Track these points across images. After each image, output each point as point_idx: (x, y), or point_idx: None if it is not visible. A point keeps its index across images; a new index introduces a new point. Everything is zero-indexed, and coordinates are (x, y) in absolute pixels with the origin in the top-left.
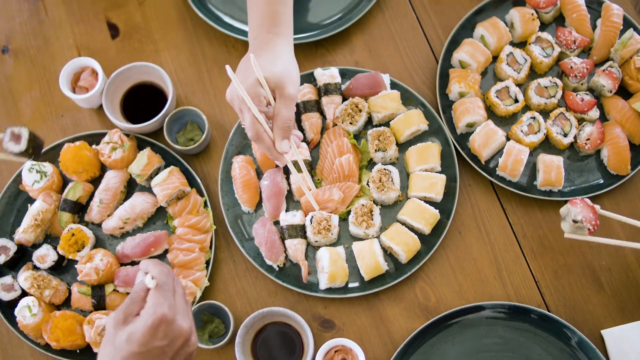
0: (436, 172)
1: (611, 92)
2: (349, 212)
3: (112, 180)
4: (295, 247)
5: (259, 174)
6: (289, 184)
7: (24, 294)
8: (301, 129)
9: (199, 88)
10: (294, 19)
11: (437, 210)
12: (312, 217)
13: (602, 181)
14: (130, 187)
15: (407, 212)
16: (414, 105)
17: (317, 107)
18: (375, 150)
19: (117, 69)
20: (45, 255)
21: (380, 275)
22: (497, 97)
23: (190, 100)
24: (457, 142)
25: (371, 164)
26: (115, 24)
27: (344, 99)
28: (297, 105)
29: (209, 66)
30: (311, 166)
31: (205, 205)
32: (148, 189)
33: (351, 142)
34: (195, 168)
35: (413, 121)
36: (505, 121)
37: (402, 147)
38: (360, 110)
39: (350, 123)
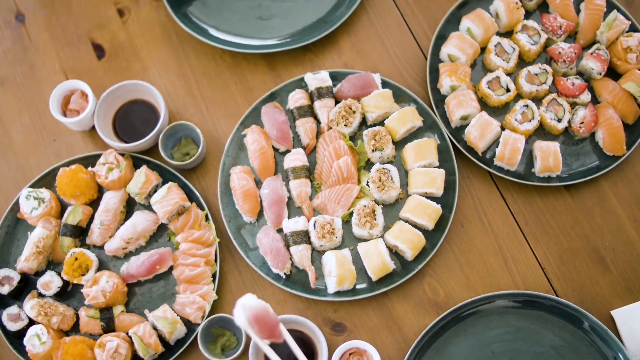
0: (434, 167)
1: (600, 74)
2: (351, 214)
3: (111, 201)
4: (301, 253)
5: (258, 183)
6: (289, 191)
7: (32, 322)
8: (296, 134)
9: (190, 102)
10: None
11: (439, 205)
12: (315, 221)
13: (598, 163)
14: (130, 206)
15: (409, 209)
16: (406, 103)
17: (311, 111)
18: (373, 150)
19: (106, 89)
20: (49, 282)
21: (387, 274)
22: (488, 87)
23: (182, 114)
24: (453, 135)
25: (369, 164)
26: (100, 45)
27: (337, 102)
28: (291, 111)
29: (198, 79)
30: (309, 171)
31: (207, 218)
32: (148, 207)
33: (347, 144)
34: (194, 182)
35: (407, 118)
36: (499, 111)
37: (399, 145)
38: (354, 112)
39: (345, 125)
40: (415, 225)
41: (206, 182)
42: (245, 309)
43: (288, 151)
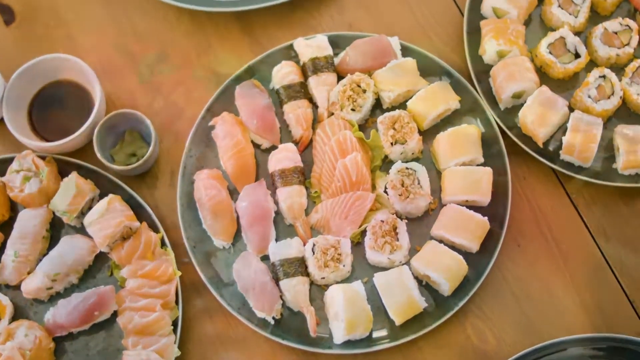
0: (478, 165)
1: None
2: (364, 233)
3: (28, 223)
4: (295, 290)
5: (233, 193)
6: (276, 203)
7: None
8: (284, 124)
9: (135, 82)
10: None
11: (485, 218)
12: (315, 245)
13: None
14: (55, 229)
15: (444, 224)
16: (436, 77)
17: (304, 92)
18: (392, 144)
19: (18, 67)
20: None
21: (416, 315)
22: (550, 53)
23: (125, 100)
24: (503, 120)
25: (387, 163)
26: (8, 6)
27: (340, 78)
28: (276, 92)
29: (145, 51)
30: (304, 174)
31: (163, 244)
32: (81, 230)
33: (356, 136)
34: (143, 194)
35: (438, 98)
36: (565, 85)
37: (427, 135)
38: (364, 91)
39: (353, 109)
40: (453, 247)
41: (161, 193)
42: None
43: (274, 147)
